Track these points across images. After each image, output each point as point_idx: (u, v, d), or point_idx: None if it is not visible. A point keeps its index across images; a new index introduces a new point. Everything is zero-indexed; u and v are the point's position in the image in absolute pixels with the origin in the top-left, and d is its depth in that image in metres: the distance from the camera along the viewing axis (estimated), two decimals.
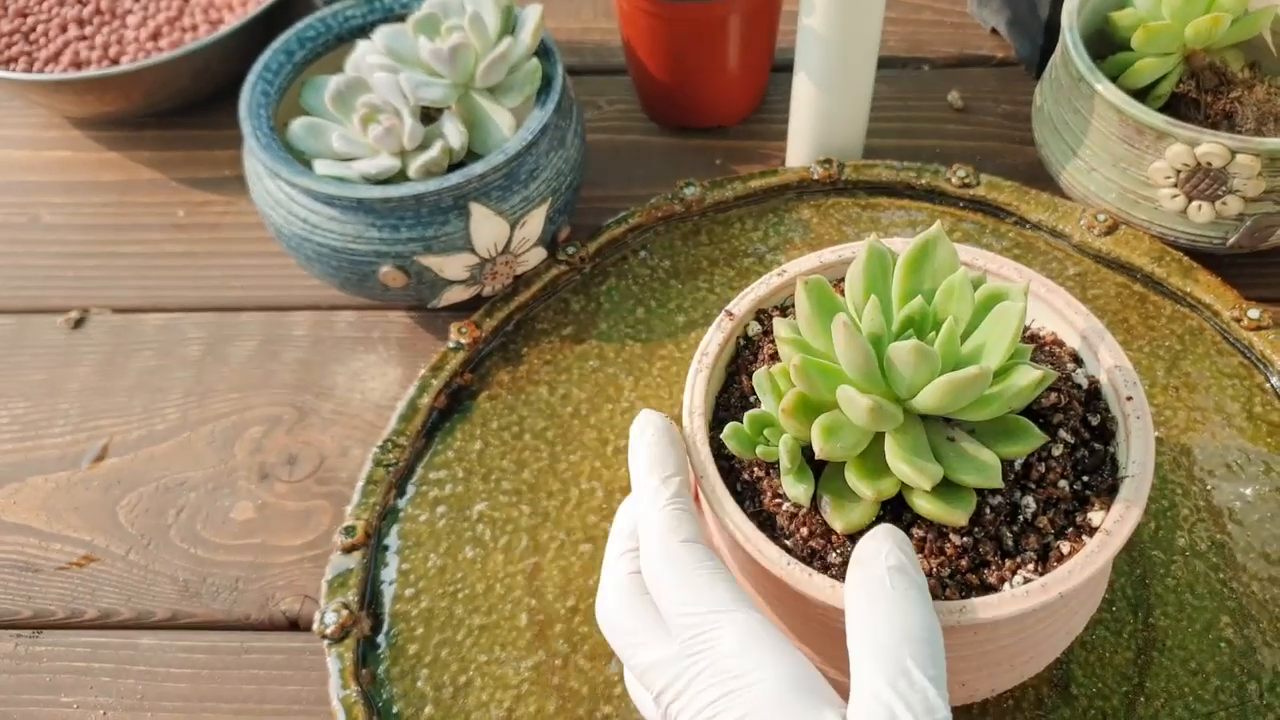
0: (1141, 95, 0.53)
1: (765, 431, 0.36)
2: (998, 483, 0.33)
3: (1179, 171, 0.50)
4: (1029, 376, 0.32)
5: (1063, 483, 0.35)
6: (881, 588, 0.30)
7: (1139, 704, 0.41)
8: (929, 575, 0.33)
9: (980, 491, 0.34)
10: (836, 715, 0.29)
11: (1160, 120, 0.49)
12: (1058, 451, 0.35)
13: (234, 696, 0.45)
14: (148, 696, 0.45)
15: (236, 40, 0.62)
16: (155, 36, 0.67)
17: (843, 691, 0.30)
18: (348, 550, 0.46)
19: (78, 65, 0.65)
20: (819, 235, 0.57)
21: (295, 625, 0.47)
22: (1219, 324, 0.52)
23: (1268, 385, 0.50)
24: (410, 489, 0.49)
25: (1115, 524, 0.33)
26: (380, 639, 0.45)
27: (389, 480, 0.48)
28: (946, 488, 0.33)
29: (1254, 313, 0.51)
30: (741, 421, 0.36)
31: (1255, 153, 0.48)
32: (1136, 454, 0.35)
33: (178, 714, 0.45)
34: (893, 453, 0.33)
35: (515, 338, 0.54)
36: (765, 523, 0.35)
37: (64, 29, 0.67)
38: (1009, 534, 0.34)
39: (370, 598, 0.46)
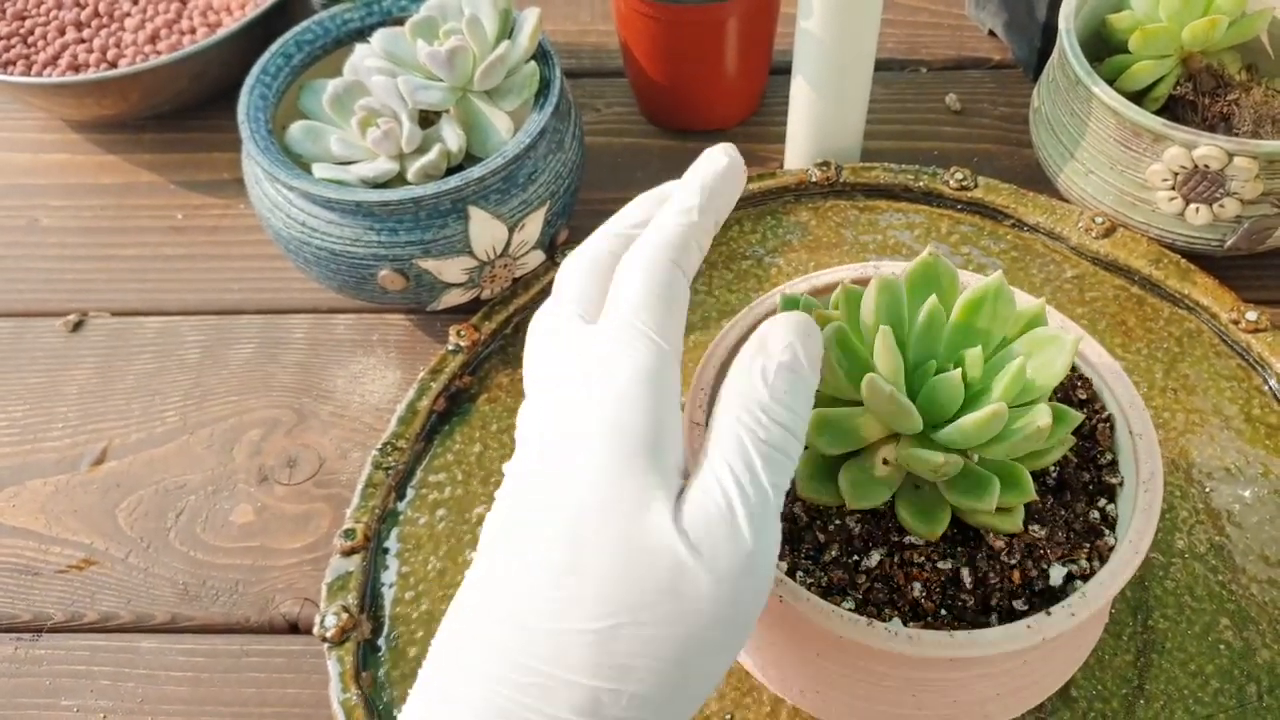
0: (1139, 98, 0.53)
1: None
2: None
3: (1176, 174, 0.50)
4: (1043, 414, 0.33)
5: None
6: (762, 378, 0.29)
7: (1139, 706, 0.42)
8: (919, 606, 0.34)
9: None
10: (666, 503, 0.28)
11: (1157, 123, 0.49)
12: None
13: (234, 700, 0.45)
14: (148, 700, 0.45)
15: (235, 43, 0.62)
16: (153, 39, 0.67)
17: None
18: (347, 553, 0.46)
19: (76, 68, 0.65)
20: (817, 238, 0.57)
21: (295, 628, 0.47)
22: (1217, 326, 0.52)
23: (1266, 387, 0.50)
24: (410, 492, 0.49)
25: (1085, 598, 0.33)
26: (380, 642, 0.45)
27: (388, 483, 0.48)
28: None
29: (1252, 315, 0.51)
30: None
31: (1252, 155, 0.48)
32: (1138, 523, 0.35)
33: (177, 717, 0.45)
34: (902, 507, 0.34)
35: (514, 340, 0.54)
36: None
37: (62, 32, 0.67)
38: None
39: (370, 601, 0.46)
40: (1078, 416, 0.34)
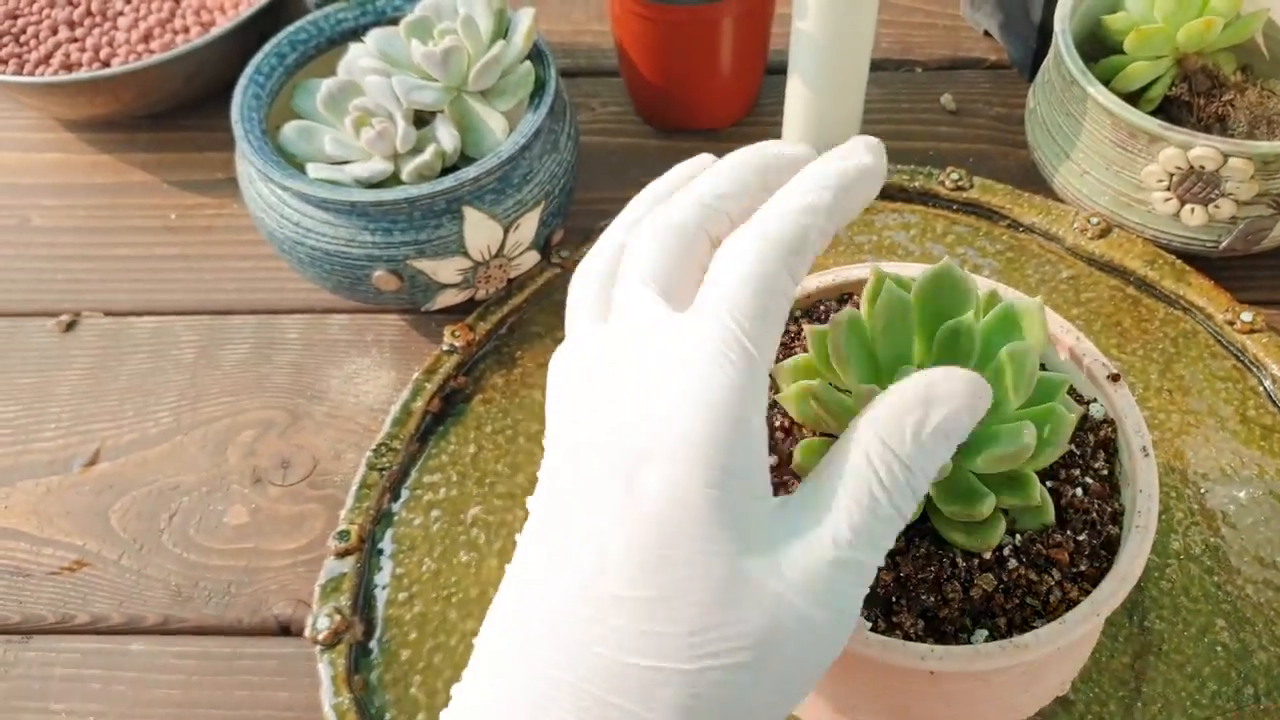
0: (1134, 98, 0.53)
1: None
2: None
3: (1172, 175, 0.50)
4: (1067, 421, 0.32)
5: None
6: (914, 435, 0.26)
7: (1136, 709, 0.41)
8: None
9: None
10: (761, 538, 0.25)
11: (1153, 124, 0.49)
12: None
13: (226, 703, 0.45)
14: (139, 703, 0.45)
15: (229, 42, 0.61)
16: (147, 38, 0.66)
17: None
18: (341, 555, 0.46)
19: (69, 67, 0.65)
20: None
21: (288, 630, 0.47)
22: (1212, 327, 0.52)
23: (1261, 388, 0.50)
24: (404, 493, 0.49)
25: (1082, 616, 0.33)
26: (373, 644, 0.45)
27: (382, 484, 0.48)
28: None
29: (1247, 315, 0.51)
30: None
31: (1248, 156, 0.48)
32: (1130, 548, 0.34)
33: None
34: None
35: (509, 341, 0.54)
36: None
37: (55, 31, 0.67)
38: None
39: (363, 603, 0.46)
40: (1074, 415, 0.33)
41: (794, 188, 0.27)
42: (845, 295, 0.41)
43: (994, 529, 0.33)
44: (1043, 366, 0.39)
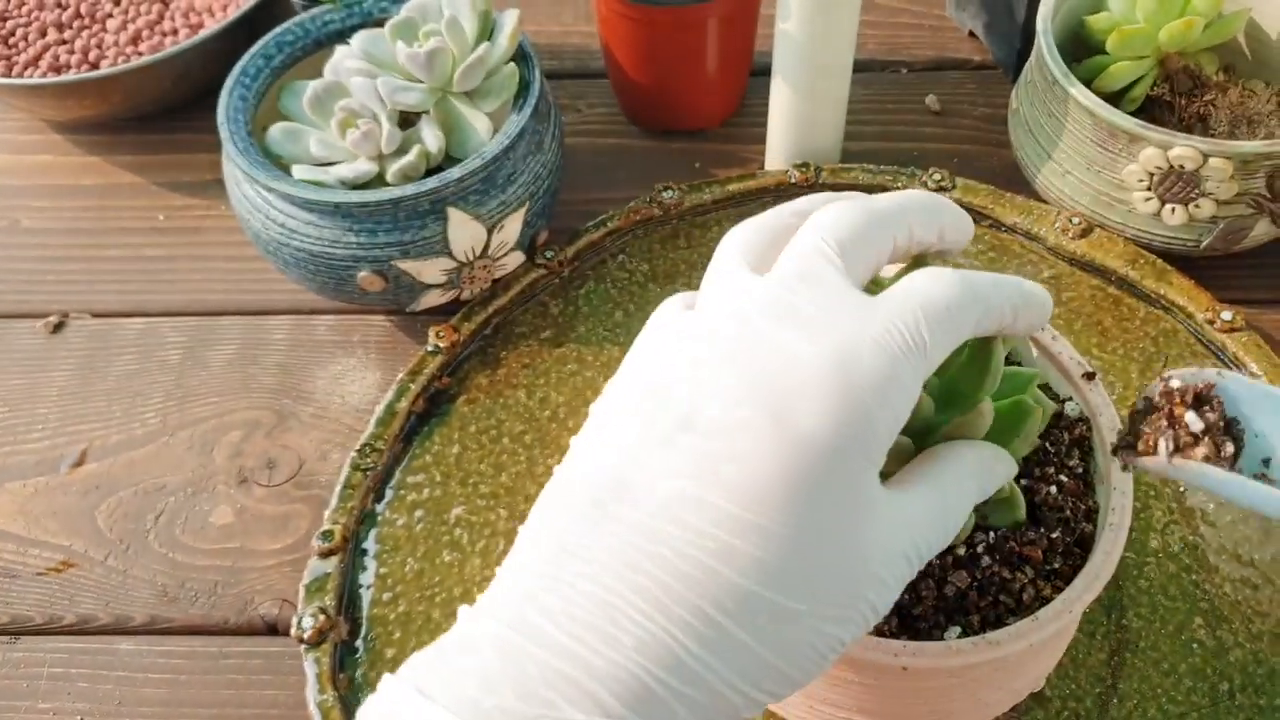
0: (1116, 99, 0.53)
1: None
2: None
3: (1152, 175, 0.50)
4: (1033, 412, 0.32)
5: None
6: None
7: (1112, 705, 0.42)
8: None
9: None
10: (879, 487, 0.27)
11: (1132, 124, 0.49)
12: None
13: (212, 701, 0.45)
14: (125, 702, 0.45)
15: (216, 44, 0.62)
16: (135, 41, 0.67)
17: None
18: (325, 555, 0.46)
19: (57, 69, 0.65)
20: None
21: (274, 630, 0.47)
22: (1192, 326, 0.52)
23: None
24: (388, 493, 0.49)
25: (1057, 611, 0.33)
26: (358, 643, 0.45)
27: (367, 484, 0.48)
28: None
29: (1227, 315, 0.51)
30: None
31: (1228, 156, 0.48)
32: (1104, 546, 0.34)
33: (155, 719, 0.45)
34: None
35: (494, 341, 0.54)
36: None
37: (43, 33, 0.67)
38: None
39: (348, 602, 0.46)
40: (1042, 407, 0.33)
41: (995, 274, 0.30)
42: None
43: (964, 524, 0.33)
44: (1018, 364, 0.39)
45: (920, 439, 0.31)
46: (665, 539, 0.25)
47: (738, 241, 0.30)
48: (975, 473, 0.30)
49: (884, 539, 0.26)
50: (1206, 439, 0.32)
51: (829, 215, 0.29)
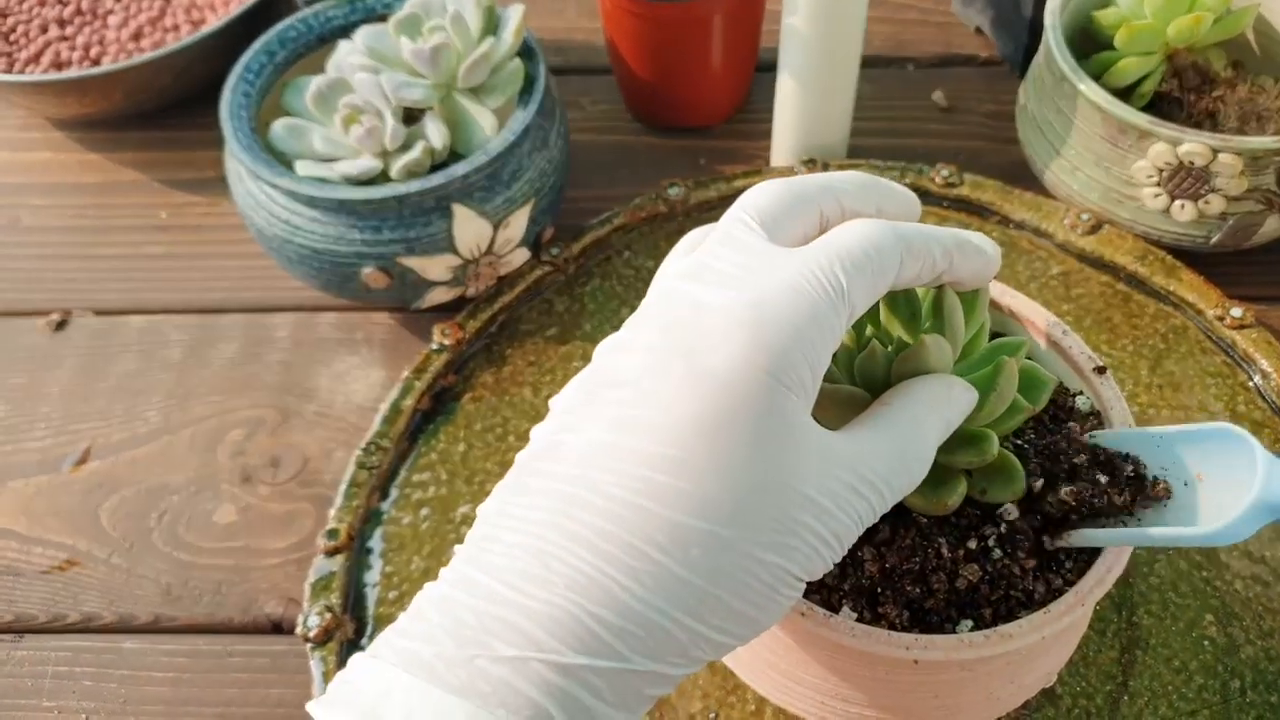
0: (1125, 94, 0.53)
1: None
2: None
3: (1162, 170, 0.50)
4: (1009, 368, 0.32)
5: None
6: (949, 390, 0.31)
7: (1123, 702, 0.42)
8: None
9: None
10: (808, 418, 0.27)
11: (1143, 119, 0.49)
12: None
13: (217, 700, 0.45)
14: (130, 701, 0.45)
15: (218, 40, 0.61)
16: (137, 37, 0.66)
17: None
18: (330, 553, 0.46)
19: (58, 66, 0.65)
20: None
21: (279, 629, 0.47)
22: (1202, 323, 0.52)
23: (1250, 384, 0.50)
24: (393, 491, 0.49)
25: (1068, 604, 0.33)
26: (364, 642, 0.45)
27: (372, 483, 0.48)
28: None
29: (1236, 311, 0.51)
30: None
31: (1237, 151, 0.48)
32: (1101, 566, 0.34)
33: (160, 718, 0.45)
34: None
35: (499, 339, 0.54)
36: None
37: (44, 29, 0.67)
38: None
39: (353, 601, 0.46)
40: (1021, 366, 0.33)
41: (927, 224, 0.30)
42: None
43: (951, 489, 0.33)
44: (1029, 359, 0.39)
45: (877, 391, 0.31)
46: (593, 485, 0.26)
47: (681, 244, 0.32)
48: (930, 402, 0.30)
49: (816, 464, 0.27)
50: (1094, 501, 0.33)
51: (751, 191, 0.30)
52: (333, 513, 0.47)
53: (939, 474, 0.33)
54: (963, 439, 0.32)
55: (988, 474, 0.33)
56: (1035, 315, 0.39)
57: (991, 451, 0.32)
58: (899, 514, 0.34)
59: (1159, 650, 0.43)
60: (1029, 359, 0.38)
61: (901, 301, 0.33)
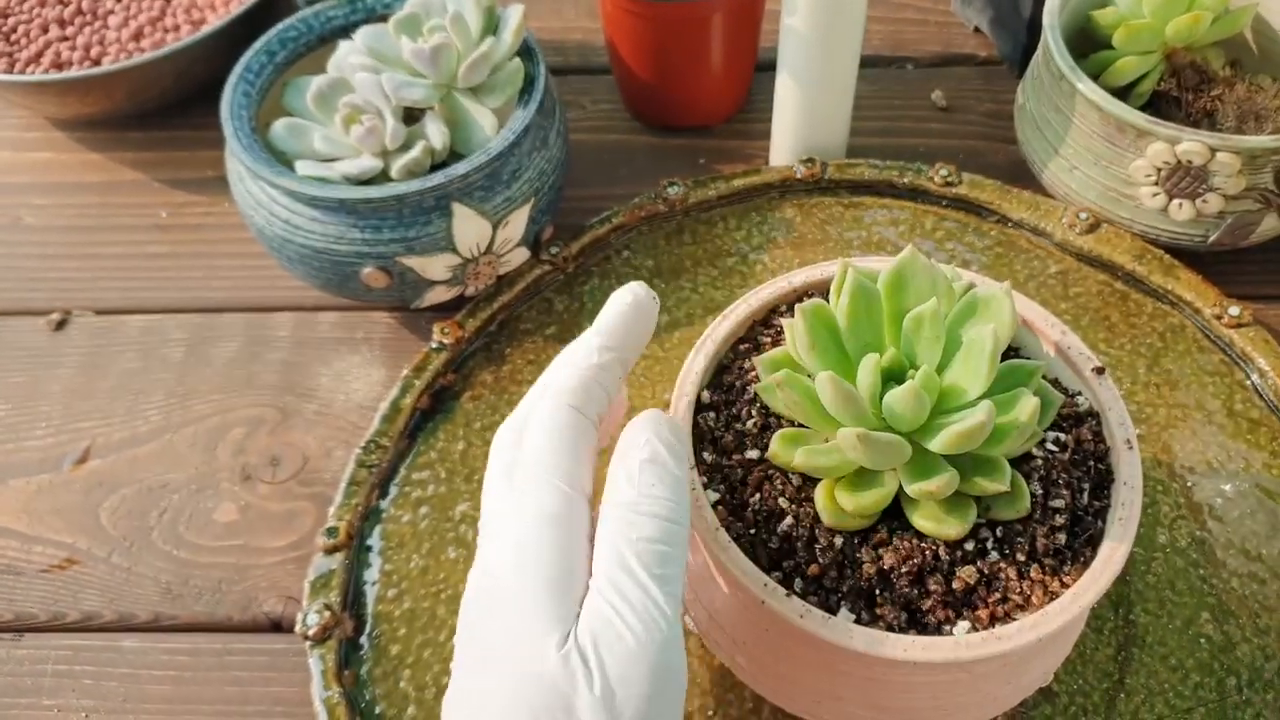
0: (1123, 93, 0.53)
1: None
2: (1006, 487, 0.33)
3: (1160, 169, 0.50)
4: (1030, 405, 0.32)
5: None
6: (627, 480, 0.31)
7: (1119, 700, 0.42)
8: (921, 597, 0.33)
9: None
10: (561, 630, 0.28)
11: (1141, 118, 0.49)
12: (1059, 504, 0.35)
13: (216, 698, 0.45)
14: (130, 699, 0.45)
15: (219, 41, 0.61)
16: (137, 37, 0.66)
17: None
18: (330, 551, 0.46)
19: (59, 66, 0.65)
20: (802, 235, 0.57)
21: (278, 627, 0.47)
22: (1200, 321, 0.52)
23: (1248, 382, 0.50)
24: (393, 490, 0.49)
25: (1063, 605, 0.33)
26: (363, 640, 0.45)
27: (371, 481, 0.48)
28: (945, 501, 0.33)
29: (1234, 310, 0.51)
30: (721, 419, 0.36)
31: (1235, 151, 0.48)
32: (1112, 540, 0.34)
33: (160, 716, 0.45)
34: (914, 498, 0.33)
35: (498, 338, 0.54)
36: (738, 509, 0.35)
37: (45, 30, 0.67)
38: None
39: (353, 599, 0.46)
40: (1038, 401, 0.33)
41: (574, 345, 0.34)
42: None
43: (962, 516, 0.33)
44: (1026, 357, 0.39)
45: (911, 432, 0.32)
46: None
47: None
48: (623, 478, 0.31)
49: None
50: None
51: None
52: (332, 511, 0.47)
53: (951, 501, 0.33)
54: (977, 465, 0.33)
55: (995, 495, 0.34)
56: (1034, 315, 0.39)
57: (1005, 483, 0.32)
58: (896, 516, 0.35)
59: (1155, 648, 0.43)
60: (1027, 358, 0.39)
61: (916, 329, 0.33)
